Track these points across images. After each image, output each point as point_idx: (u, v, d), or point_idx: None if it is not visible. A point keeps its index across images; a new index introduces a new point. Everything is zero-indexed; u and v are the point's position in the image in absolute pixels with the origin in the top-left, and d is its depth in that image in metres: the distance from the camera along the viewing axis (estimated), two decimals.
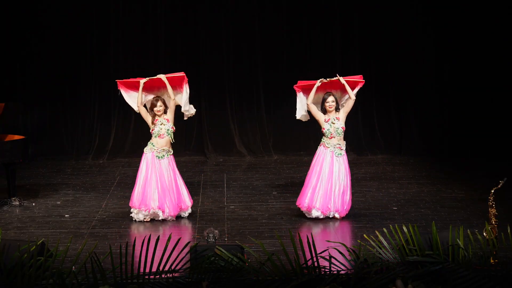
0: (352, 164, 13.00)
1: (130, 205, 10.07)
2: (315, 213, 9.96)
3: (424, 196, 11.05)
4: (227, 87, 13.90)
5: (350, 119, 13.63)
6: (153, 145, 10.00)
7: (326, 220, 9.98)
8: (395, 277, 7.06)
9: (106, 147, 13.80)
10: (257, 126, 13.94)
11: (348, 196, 10.00)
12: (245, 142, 13.91)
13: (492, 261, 7.51)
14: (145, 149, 10.08)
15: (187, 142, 13.87)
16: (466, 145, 13.62)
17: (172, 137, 10.05)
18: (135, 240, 7.33)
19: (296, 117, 10.25)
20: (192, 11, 13.73)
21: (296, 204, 10.16)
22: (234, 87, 13.92)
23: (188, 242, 7.61)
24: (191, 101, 14.55)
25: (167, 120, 10.00)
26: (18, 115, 13.10)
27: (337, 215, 9.99)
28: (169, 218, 10.00)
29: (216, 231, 8.34)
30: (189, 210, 10.22)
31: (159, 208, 9.92)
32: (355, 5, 13.73)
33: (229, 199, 11.11)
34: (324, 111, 9.94)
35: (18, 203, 10.75)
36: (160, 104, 9.97)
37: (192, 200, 10.28)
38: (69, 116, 13.86)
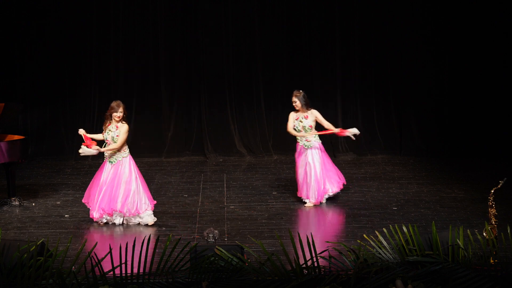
0: (352, 164, 13.04)
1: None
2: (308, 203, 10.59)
3: (424, 196, 11.05)
4: (227, 87, 13.88)
5: (350, 119, 13.67)
6: (104, 153, 9.88)
7: (327, 219, 9.98)
8: (395, 277, 7.07)
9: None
10: (257, 126, 13.92)
11: (323, 185, 10.51)
12: (245, 142, 13.89)
13: (492, 261, 7.51)
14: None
15: (187, 142, 13.86)
16: (466, 145, 13.61)
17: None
18: (135, 240, 7.33)
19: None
20: (192, 11, 13.72)
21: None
22: (234, 87, 13.91)
23: (188, 242, 7.62)
24: (191, 100, 14.51)
25: (117, 127, 9.73)
26: (18, 115, 13.07)
27: (308, 202, 10.51)
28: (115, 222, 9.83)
29: (216, 231, 8.33)
30: (150, 213, 9.81)
31: (108, 214, 9.79)
32: (355, 6, 13.71)
33: (229, 199, 11.10)
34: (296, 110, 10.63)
35: (18, 203, 10.74)
36: (121, 110, 9.71)
37: (152, 203, 9.89)
38: (69, 116, 13.84)
